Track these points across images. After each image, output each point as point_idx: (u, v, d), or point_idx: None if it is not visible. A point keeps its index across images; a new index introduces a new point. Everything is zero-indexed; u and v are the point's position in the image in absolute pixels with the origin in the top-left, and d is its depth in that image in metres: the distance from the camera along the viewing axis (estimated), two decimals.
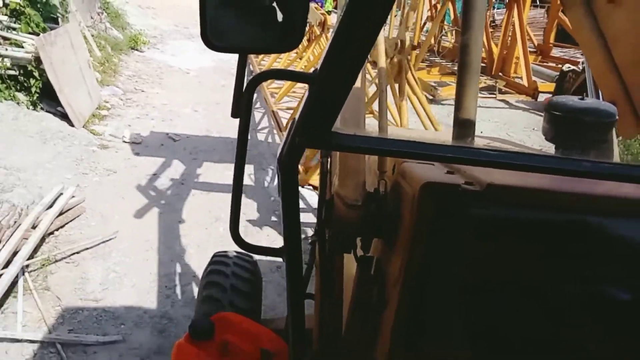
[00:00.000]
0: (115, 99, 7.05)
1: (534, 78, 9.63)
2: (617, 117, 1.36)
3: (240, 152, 1.45)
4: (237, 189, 1.52)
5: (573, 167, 0.91)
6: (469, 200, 1.00)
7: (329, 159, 1.55)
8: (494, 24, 12.23)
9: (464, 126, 1.61)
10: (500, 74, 10.22)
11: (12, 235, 3.45)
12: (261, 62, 8.00)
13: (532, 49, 11.25)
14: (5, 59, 5.37)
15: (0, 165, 4.39)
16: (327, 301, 1.34)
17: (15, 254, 3.32)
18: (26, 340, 2.84)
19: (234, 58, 1.41)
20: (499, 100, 9.42)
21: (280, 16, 0.99)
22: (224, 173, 5.09)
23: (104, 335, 2.95)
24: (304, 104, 0.92)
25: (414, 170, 1.12)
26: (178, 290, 3.41)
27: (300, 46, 8.10)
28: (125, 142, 5.76)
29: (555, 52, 11.95)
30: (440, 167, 1.16)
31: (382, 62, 3.83)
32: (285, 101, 6.34)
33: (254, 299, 2.09)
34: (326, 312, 1.35)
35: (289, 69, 6.56)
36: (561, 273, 1.05)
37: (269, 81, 6.35)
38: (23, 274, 3.28)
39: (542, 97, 9.34)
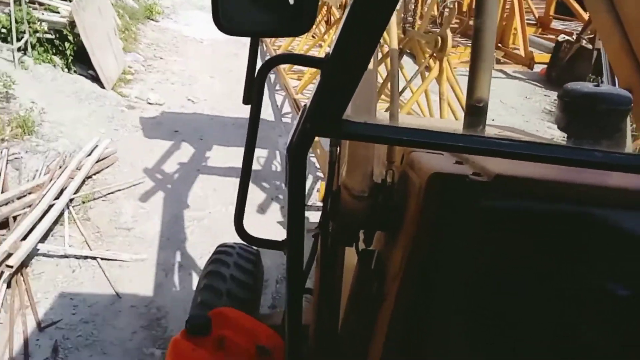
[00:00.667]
0: (137, 64, 7.69)
1: (532, 49, 10.02)
2: (632, 105, 1.32)
3: (250, 142, 1.39)
4: (244, 180, 1.48)
5: (585, 158, 0.88)
6: (477, 191, 0.99)
7: (337, 148, 1.53)
8: None
9: (475, 114, 1.59)
10: (499, 45, 10.61)
11: (60, 175, 4.18)
12: (275, 44, 7.94)
13: (532, 22, 11.56)
14: (43, 23, 6.02)
15: (45, 119, 5.11)
16: (325, 296, 1.34)
17: (62, 191, 4.05)
18: (72, 256, 3.57)
19: None
20: (496, 70, 9.86)
21: None
22: (238, 131, 5.75)
23: (135, 254, 3.71)
24: (315, 90, 0.91)
25: (422, 160, 1.11)
26: (196, 223, 4.14)
27: (318, 30, 8.26)
28: (150, 103, 6.44)
29: (556, 24, 12.24)
30: (449, 157, 1.14)
31: (395, 44, 3.58)
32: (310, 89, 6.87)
33: (253, 289, 2.13)
34: (324, 307, 1.34)
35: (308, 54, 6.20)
36: (570, 267, 1.03)
37: (288, 67, 6.27)
38: (68, 208, 4.00)
39: (538, 68, 9.77)
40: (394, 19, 3.79)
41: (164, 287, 3.42)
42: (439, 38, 4.09)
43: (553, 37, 11.27)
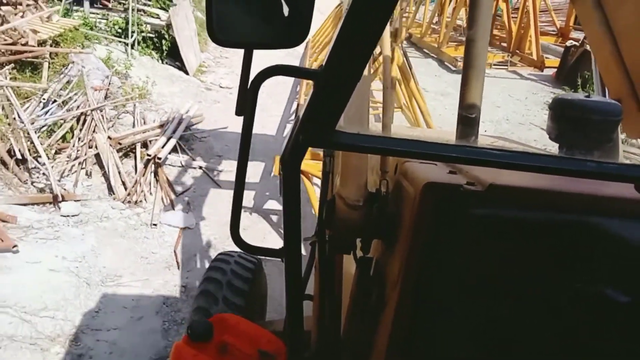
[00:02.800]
0: (209, 61, 9.75)
1: (548, 55, 11.55)
2: (622, 116, 1.33)
3: (243, 152, 1.38)
4: (239, 190, 1.48)
5: (577, 168, 0.89)
6: (470, 201, 0.99)
7: (331, 159, 1.55)
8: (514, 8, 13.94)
9: (467, 125, 1.58)
10: (517, 50, 12.19)
11: (172, 122, 6.11)
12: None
13: (554, 32, 13.10)
14: (147, 25, 8.13)
15: (153, 91, 7.10)
16: (325, 302, 1.35)
17: (174, 132, 5.95)
18: (185, 166, 5.45)
19: None
20: (510, 71, 11.43)
21: (286, 10, 0.97)
22: (288, 106, 7.60)
23: (225, 167, 5.54)
24: (308, 101, 0.92)
25: (415, 170, 1.12)
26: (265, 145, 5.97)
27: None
28: (221, 87, 8.41)
29: (575, 34, 13.72)
30: (443, 167, 1.16)
31: (388, 55, 3.75)
32: None
33: (251, 297, 2.16)
34: (325, 314, 1.36)
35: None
36: (563, 275, 1.05)
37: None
38: (178, 143, 5.89)
39: (551, 71, 11.25)
40: (387, 31, 3.91)
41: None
42: (394, 29, 4.66)
43: None
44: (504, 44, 12.43)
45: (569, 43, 11.01)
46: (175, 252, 3.95)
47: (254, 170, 5.43)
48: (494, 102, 9.13)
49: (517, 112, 8.97)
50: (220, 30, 0.99)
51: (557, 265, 1.04)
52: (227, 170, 5.47)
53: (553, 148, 1.47)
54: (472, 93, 1.60)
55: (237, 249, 1.73)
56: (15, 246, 3.47)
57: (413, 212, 1.04)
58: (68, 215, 4.09)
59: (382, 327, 1.16)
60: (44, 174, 4.42)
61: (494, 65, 11.27)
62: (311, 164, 4.00)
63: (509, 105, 9.15)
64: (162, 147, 5.29)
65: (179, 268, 3.80)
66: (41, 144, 4.60)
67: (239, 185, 1.46)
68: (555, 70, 11.26)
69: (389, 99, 2.72)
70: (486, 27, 1.59)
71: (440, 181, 1.03)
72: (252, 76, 1.22)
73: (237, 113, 1.25)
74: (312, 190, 4.12)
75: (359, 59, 0.78)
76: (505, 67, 11.39)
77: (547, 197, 1.04)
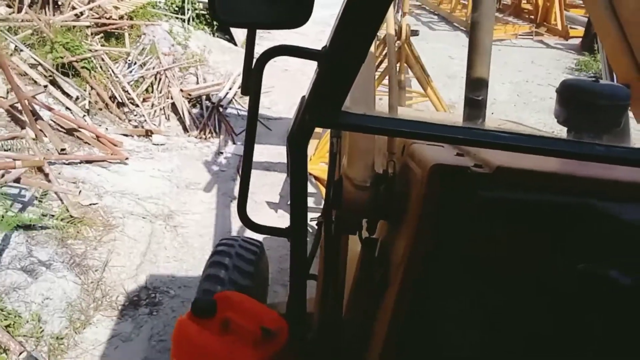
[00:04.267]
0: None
1: (576, 26, 12.26)
2: (630, 100, 1.36)
3: (250, 132, 1.37)
4: (246, 169, 1.48)
5: (584, 151, 0.90)
6: (478, 183, 1.01)
7: (338, 140, 1.58)
8: None
9: (474, 107, 1.62)
10: (544, 22, 12.93)
11: (227, 81, 7.40)
12: None
13: (582, 4, 13.69)
14: (199, 3, 9.45)
15: (210, 59, 8.42)
16: (329, 282, 1.38)
17: (230, 89, 7.24)
18: (237, 114, 6.72)
19: None
20: (537, 41, 12.21)
21: None
22: None
23: (273, 114, 6.79)
24: (314, 82, 0.94)
25: (423, 152, 1.12)
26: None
27: None
28: None
29: None
30: (450, 149, 1.16)
31: (391, 29, 3.68)
32: None
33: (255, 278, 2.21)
34: (328, 293, 1.39)
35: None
36: (569, 258, 1.06)
37: None
38: (233, 98, 7.19)
39: (577, 41, 11.97)
40: (391, 10, 3.83)
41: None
42: (397, 27, 4.65)
43: None
44: (532, 17, 13.16)
45: None
46: (238, 170, 5.24)
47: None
48: (516, 67, 10.02)
49: (538, 75, 9.85)
50: (223, 9, 0.98)
51: (563, 248, 1.05)
52: (274, 117, 6.74)
53: (561, 132, 1.46)
54: (478, 75, 1.62)
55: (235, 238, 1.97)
56: (126, 159, 4.82)
57: (420, 194, 1.05)
58: (157, 144, 5.44)
59: (384, 307, 1.18)
60: (135, 115, 5.79)
61: (520, 35, 12.09)
62: (325, 169, 3.83)
63: (530, 70, 10.04)
64: (222, 98, 6.59)
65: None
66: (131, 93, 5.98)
67: (247, 165, 1.45)
68: (581, 39, 11.98)
69: (393, 78, 2.81)
70: (491, 9, 1.62)
71: (447, 163, 1.04)
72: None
73: (243, 93, 1.26)
74: None
75: (364, 39, 0.78)
76: (531, 37, 12.18)
77: (554, 180, 1.04)
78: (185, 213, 4.44)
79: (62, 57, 5.58)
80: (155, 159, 5.14)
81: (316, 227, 1.70)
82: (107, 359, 2.99)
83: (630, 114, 1.56)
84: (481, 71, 1.66)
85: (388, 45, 3.69)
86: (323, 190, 4.22)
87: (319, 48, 0.99)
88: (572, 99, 1.39)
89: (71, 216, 3.75)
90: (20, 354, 2.70)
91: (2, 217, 3.32)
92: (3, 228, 3.27)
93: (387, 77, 3.86)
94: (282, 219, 4.38)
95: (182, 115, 6.09)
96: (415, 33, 5.09)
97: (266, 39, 9.38)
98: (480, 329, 1.15)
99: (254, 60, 1.18)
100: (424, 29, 12.75)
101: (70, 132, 4.84)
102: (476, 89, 1.68)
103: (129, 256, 3.75)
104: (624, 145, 0.96)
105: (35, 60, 5.44)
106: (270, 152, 5.50)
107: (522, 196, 1.05)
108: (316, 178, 4.34)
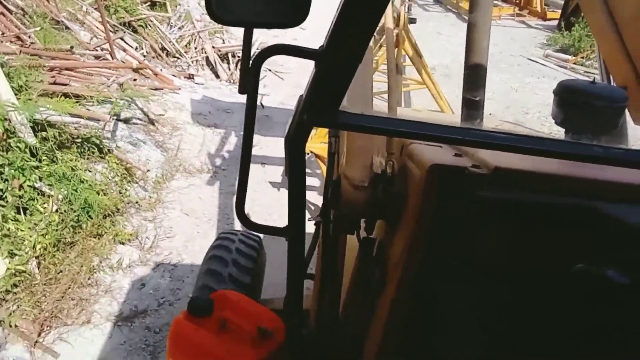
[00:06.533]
0: None
1: (556, 10, 14.05)
2: (627, 102, 1.37)
3: (248, 130, 1.40)
4: (244, 168, 1.49)
5: (582, 152, 0.92)
6: (476, 183, 1.02)
7: (336, 139, 1.60)
8: None
9: (472, 107, 1.67)
10: (528, 6, 14.71)
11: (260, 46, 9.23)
12: None
13: None
14: None
15: (232, 27, 10.23)
16: (327, 281, 1.40)
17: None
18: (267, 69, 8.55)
19: None
20: (518, 21, 13.99)
21: None
22: None
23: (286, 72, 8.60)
24: (311, 81, 0.95)
25: (421, 152, 1.14)
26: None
27: None
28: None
29: None
30: (448, 149, 1.18)
31: (391, 35, 3.78)
32: None
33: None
34: (325, 292, 1.41)
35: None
36: (567, 258, 1.08)
37: None
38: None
39: (554, 23, 13.72)
40: (389, 9, 3.90)
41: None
42: (396, 14, 4.92)
43: None
44: (517, 1, 14.94)
45: None
46: (260, 102, 7.08)
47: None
48: (494, 42, 11.68)
49: (512, 48, 11.62)
50: (220, 7, 0.98)
51: (560, 249, 1.06)
52: (286, 72, 8.55)
53: (559, 133, 1.50)
54: (475, 76, 1.66)
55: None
56: (179, 89, 6.65)
57: (418, 194, 1.08)
58: (198, 84, 7.27)
59: (381, 307, 1.21)
60: (180, 63, 7.63)
61: (503, 17, 13.87)
62: (326, 148, 4.26)
63: (507, 44, 11.82)
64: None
65: (262, 107, 6.92)
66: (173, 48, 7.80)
67: (245, 163, 1.47)
68: (558, 20, 13.76)
69: (393, 78, 2.82)
70: (487, 11, 1.67)
71: (445, 163, 1.05)
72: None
73: (240, 91, 1.28)
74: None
75: (361, 38, 0.80)
76: (513, 18, 13.99)
77: (552, 180, 1.06)
78: (225, 127, 6.28)
79: (123, 17, 7.41)
80: (197, 93, 6.97)
81: (314, 226, 1.72)
82: (185, 195, 4.83)
83: (628, 116, 1.56)
84: (479, 72, 1.71)
85: (387, 47, 3.68)
86: (324, 168, 4.43)
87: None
88: (568, 100, 1.41)
89: (149, 119, 5.58)
90: (140, 180, 4.56)
91: (109, 113, 5.13)
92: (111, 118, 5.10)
93: (385, 76, 4.04)
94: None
95: (214, 66, 7.91)
96: (413, 21, 5.52)
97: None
98: (478, 328, 1.17)
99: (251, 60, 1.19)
100: (419, 10, 14.50)
101: (136, 70, 6.66)
102: (474, 90, 1.73)
103: (192, 144, 5.61)
104: (621, 147, 0.98)
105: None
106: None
107: (520, 197, 1.05)
108: (317, 156, 4.57)
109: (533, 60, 10.77)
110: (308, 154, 4.38)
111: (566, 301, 1.11)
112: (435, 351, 1.22)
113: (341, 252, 1.40)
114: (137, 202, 4.44)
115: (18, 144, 3.51)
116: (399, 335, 1.17)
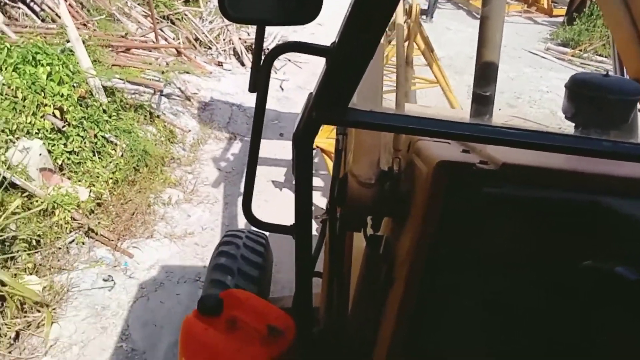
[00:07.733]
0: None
1: (561, 6, 14.85)
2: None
3: (256, 129, 1.40)
4: (252, 167, 1.50)
5: (592, 147, 0.91)
6: (483, 180, 1.03)
7: (344, 137, 1.61)
8: None
9: (482, 103, 1.67)
10: (536, 3, 15.54)
11: (280, 40, 10.33)
12: None
13: None
14: None
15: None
16: (335, 279, 1.42)
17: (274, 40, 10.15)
18: (278, 59, 9.64)
19: None
20: (526, 17, 14.83)
21: None
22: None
23: (304, 62, 9.70)
24: (321, 78, 0.95)
25: (428, 149, 1.15)
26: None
27: None
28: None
29: None
30: (456, 146, 1.19)
31: (401, 32, 3.75)
32: None
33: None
34: (334, 290, 1.43)
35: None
36: (576, 255, 1.07)
37: None
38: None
39: (560, 19, 14.52)
40: (400, 6, 3.86)
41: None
42: (408, 6, 4.93)
43: None
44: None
45: None
46: (280, 86, 8.17)
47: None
48: None
49: (515, 41, 12.47)
50: (232, 6, 1.00)
51: (569, 245, 1.06)
52: (304, 62, 9.61)
53: (569, 128, 1.49)
54: (487, 71, 1.70)
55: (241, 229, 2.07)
56: (210, 73, 7.80)
57: (425, 190, 1.08)
58: (226, 70, 8.40)
59: (390, 304, 1.21)
60: (211, 52, 8.78)
61: (511, 14, 14.73)
62: (332, 143, 3.95)
63: (511, 37, 12.69)
64: (268, 47, 9.52)
65: (282, 90, 7.99)
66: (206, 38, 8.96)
67: (252, 162, 1.48)
68: (563, 16, 14.58)
69: (402, 75, 2.72)
70: (501, 5, 1.70)
71: (453, 159, 1.06)
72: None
73: (250, 90, 1.29)
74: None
75: (372, 35, 0.80)
76: (521, 14, 14.87)
77: (560, 176, 1.07)
78: (249, 105, 7.40)
79: (162, 11, 8.59)
80: (227, 77, 8.11)
81: (320, 224, 1.70)
82: (217, 155, 5.95)
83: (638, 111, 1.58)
84: (490, 67, 1.71)
85: (397, 43, 3.73)
86: (329, 163, 4.56)
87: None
88: (580, 93, 1.40)
89: (186, 95, 6.72)
90: (180, 142, 5.71)
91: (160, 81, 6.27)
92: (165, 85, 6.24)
93: (394, 73, 4.10)
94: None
95: (240, 55, 9.03)
96: (425, 12, 6.04)
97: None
98: (486, 325, 1.18)
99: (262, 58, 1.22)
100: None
101: (177, 54, 7.82)
102: (484, 85, 1.73)
103: (222, 117, 6.75)
104: (631, 141, 1.01)
105: (145, 13, 8.44)
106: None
107: (528, 193, 1.06)
108: (323, 150, 4.63)
109: (533, 53, 11.64)
110: (314, 148, 3.88)
111: (576, 297, 1.12)
112: (444, 348, 1.22)
113: (348, 250, 1.43)
114: (178, 159, 5.57)
115: (94, 102, 4.67)
116: (407, 332, 1.18)
